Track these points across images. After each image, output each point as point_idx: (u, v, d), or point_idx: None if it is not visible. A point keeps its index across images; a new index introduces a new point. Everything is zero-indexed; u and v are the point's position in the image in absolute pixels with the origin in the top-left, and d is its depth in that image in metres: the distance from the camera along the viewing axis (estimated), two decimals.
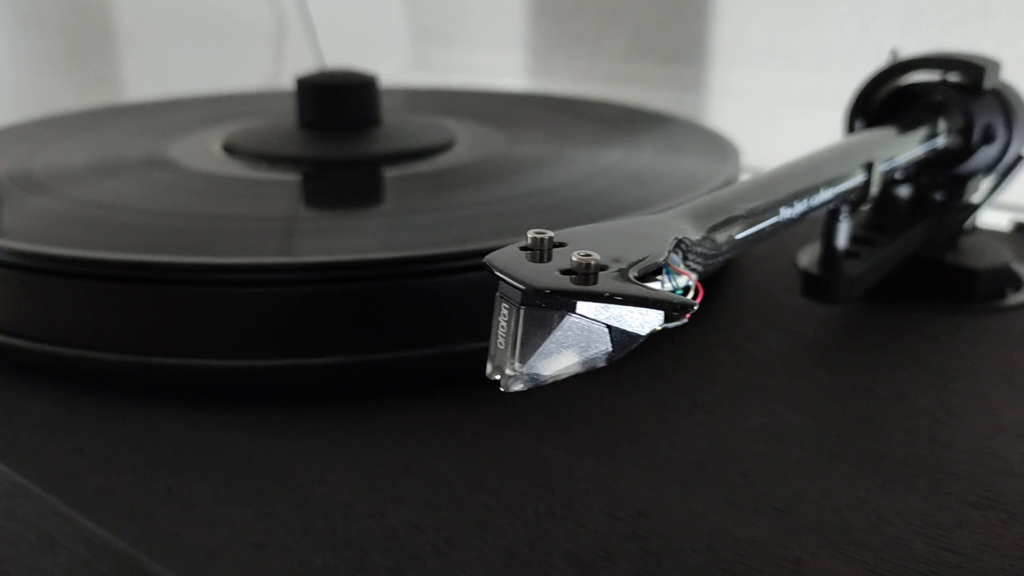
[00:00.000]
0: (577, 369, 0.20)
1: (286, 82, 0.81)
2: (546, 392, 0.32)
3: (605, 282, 0.19)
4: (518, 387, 0.20)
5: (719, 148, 0.46)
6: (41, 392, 0.32)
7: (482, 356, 0.32)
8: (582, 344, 0.20)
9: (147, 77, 0.91)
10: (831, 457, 0.28)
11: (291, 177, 0.42)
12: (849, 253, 0.35)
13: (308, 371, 0.31)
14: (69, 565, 0.27)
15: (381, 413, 0.31)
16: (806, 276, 0.35)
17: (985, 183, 0.41)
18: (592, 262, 0.19)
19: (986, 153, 0.39)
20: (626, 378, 0.33)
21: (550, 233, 0.20)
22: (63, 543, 0.27)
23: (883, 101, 0.41)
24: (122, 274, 0.31)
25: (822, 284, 0.34)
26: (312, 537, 0.25)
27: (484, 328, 0.31)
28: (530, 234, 0.20)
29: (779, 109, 0.76)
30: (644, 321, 0.20)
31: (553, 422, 0.30)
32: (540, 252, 0.20)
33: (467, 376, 0.32)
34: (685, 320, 0.21)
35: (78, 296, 0.32)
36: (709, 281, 0.41)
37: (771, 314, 0.38)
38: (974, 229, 0.43)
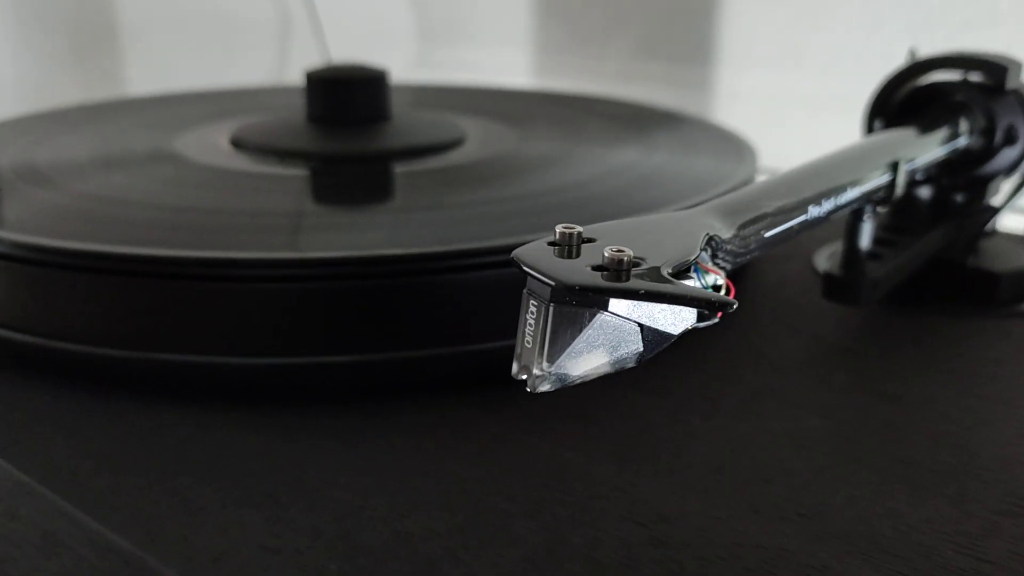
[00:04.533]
0: (607, 370, 0.19)
1: (291, 80, 0.80)
2: (562, 394, 0.31)
3: (639, 279, 0.18)
4: (545, 388, 0.19)
5: (735, 148, 0.45)
6: (45, 389, 0.32)
7: (497, 356, 0.31)
8: (613, 344, 0.19)
9: (151, 73, 0.90)
10: (856, 463, 0.28)
11: (300, 172, 0.41)
12: (871, 255, 0.35)
13: (319, 370, 0.30)
14: (72, 567, 0.26)
15: (394, 415, 0.30)
16: (828, 278, 0.34)
17: (1006, 185, 0.40)
18: (625, 258, 0.18)
19: (1008, 154, 0.39)
20: (644, 380, 0.32)
21: (579, 228, 0.20)
22: (67, 544, 0.26)
23: (903, 101, 0.40)
24: (128, 268, 0.30)
25: (845, 286, 0.34)
26: (324, 542, 0.24)
27: (499, 327, 0.31)
28: (558, 229, 0.19)
29: (787, 110, 0.75)
30: (677, 320, 0.19)
31: (570, 425, 0.30)
32: (569, 248, 0.19)
33: (482, 377, 0.32)
34: (716, 319, 0.21)
35: (83, 291, 0.31)
36: None
37: (789, 317, 0.38)
38: (994, 233, 0.42)
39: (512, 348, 0.20)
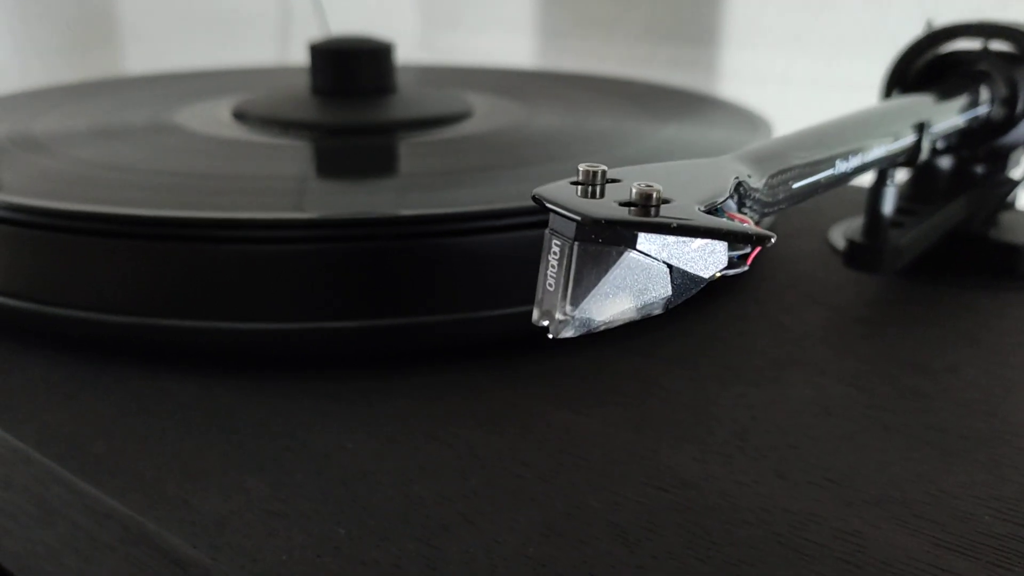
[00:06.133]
0: (632, 315, 0.18)
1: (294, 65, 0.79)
2: (576, 361, 0.31)
3: (669, 215, 0.17)
4: (568, 333, 0.18)
5: (749, 122, 0.44)
6: (42, 355, 0.31)
7: (510, 321, 0.30)
8: (640, 286, 0.18)
9: (150, 63, 0.89)
10: (884, 430, 0.27)
11: (304, 143, 0.40)
12: (893, 223, 0.33)
13: (326, 335, 0.29)
14: (69, 536, 0.25)
15: (403, 380, 0.29)
16: (851, 245, 0.33)
17: None
18: (655, 193, 0.17)
19: None
20: (659, 349, 0.31)
21: (603, 167, 0.18)
22: (63, 512, 0.25)
23: (922, 70, 0.39)
24: (126, 230, 0.29)
25: (868, 253, 0.33)
26: (332, 506, 0.23)
27: (512, 292, 0.30)
28: (582, 167, 0.18)
29: (793, 92, 0.74)
30: (708, 261, 0.18)
31: (584, 391, 0.29)
32: (592, 187, 0.18)
33: (494, 343, 0.31)
34: (746, 267, 0.19)
35: (81, 254, 0.30)
36: None
37: (807, 289, 0.37)
38: (1012, 206, 0.41)
39: (527, 314, 0.19)
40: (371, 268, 0.29)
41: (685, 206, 0.17)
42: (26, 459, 0.26)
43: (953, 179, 0.39)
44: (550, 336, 0.18)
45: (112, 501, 0.23)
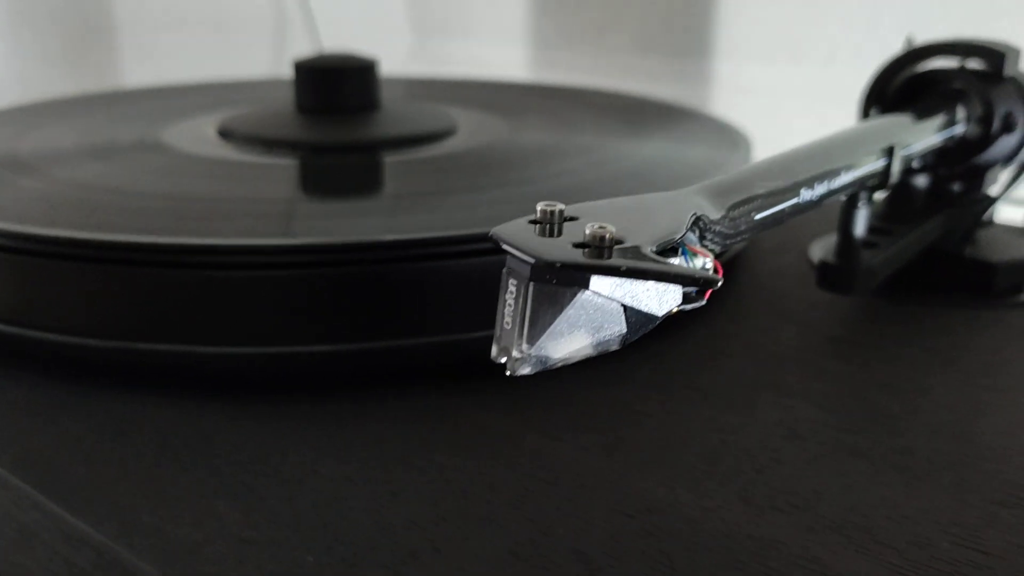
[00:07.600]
0: (589, 352, 0.19)
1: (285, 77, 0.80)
2: (549, 384, 0.31)
3: (621, 256, 0.17)
4: (525, 371, 0.19)
5: (729, 138, 0.45)
6: (20, 379, 0.31)
7: (483, 345, 0.30)
8: (595, 324, 0.18)
9: (145, 71, 0.90)
10: (851, 453, 0.27)
11: (288, 161, 0.40)
12: (866, 243, 0.34)
13: (301, 359, 0.30)
14: (46, 560, 0.26)
15: (377, 404, 0.29)
16: (823, 266, 0.33)
17: (1004, 175, 0.40)
18: (607, 235, 0.17)
19: (1006, 142, 0.38)
20: (632, 371, 0.32)
21: (561, 206, 0.19)
22: (41, 537, 0.26)
23: (899, 88, 0.39)
24: (106, 255, 0.29)
25: (840, 274, 0.33)
26: (303, 532, 0.23)
27: (486, 316, 0.30)
28: (539, 206, 0.19)
29: (785, 104, 0.74)
30: (662, 300, 0.18)
31: (557, 415, 0.29)
32: (550, 226, 0.19)
33: (467, 366, 0.31)
34: (703, 302, 0.20)
35: (60, 278, 0.30)
36: None
37: (783, 307, 0.37)
38: (990, 223, 0.41)
39: None
40: (348, 293, 0.29)
41: (637, 248, 0.18)
42: (4, 483, 0.26)
43: (930, 198, 0.39)
44: (507, 373, 0.19)
45: (88, 528, 0.24)
